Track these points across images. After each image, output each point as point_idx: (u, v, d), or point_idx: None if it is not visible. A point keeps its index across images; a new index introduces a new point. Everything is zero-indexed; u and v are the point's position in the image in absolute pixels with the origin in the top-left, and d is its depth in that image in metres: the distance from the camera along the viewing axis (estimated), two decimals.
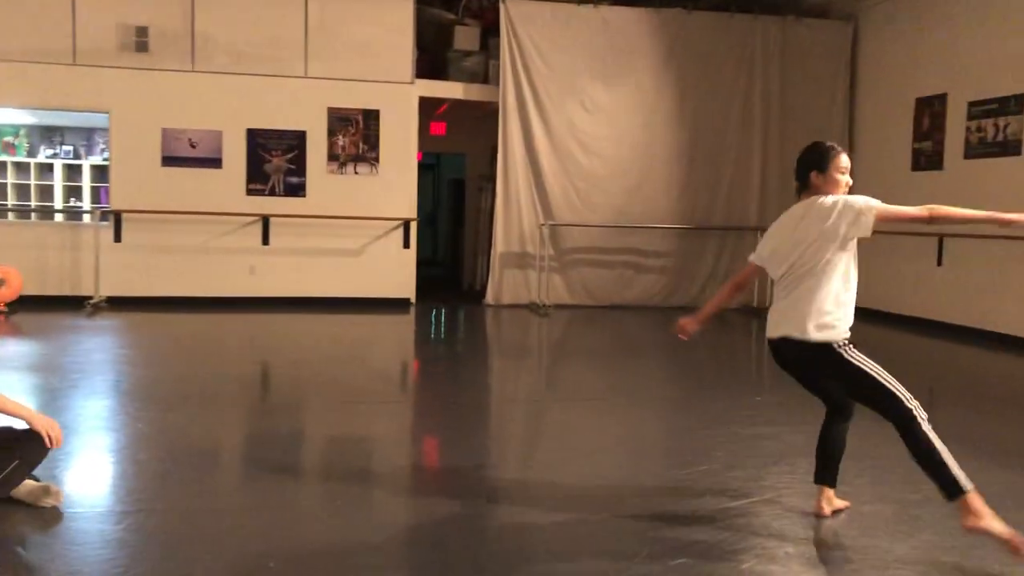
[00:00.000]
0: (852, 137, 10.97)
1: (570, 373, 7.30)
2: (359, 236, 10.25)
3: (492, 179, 11.11)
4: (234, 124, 9.83)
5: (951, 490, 2.97)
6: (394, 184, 10.29)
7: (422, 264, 11.12)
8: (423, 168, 11.68)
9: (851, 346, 3.21)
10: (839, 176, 3.32)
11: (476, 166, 12.85)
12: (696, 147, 10.84)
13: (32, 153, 12.07)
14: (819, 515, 3.46)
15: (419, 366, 7.50)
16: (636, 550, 3.10)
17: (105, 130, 10.21)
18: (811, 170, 3.35)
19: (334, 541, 3.20)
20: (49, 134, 12.19)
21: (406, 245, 10.38)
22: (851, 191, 3.33)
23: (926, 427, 3.01)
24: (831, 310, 3.21)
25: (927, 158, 9.67)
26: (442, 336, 9.30)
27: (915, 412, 3.03)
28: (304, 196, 10.05)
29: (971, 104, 9.02)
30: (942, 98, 9.45)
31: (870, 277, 10.26)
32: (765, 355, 8.47)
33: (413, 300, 10.50)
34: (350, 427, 5.02)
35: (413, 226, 10.41)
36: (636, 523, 3.39)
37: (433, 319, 10.02)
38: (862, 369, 3.15)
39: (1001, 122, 8.62)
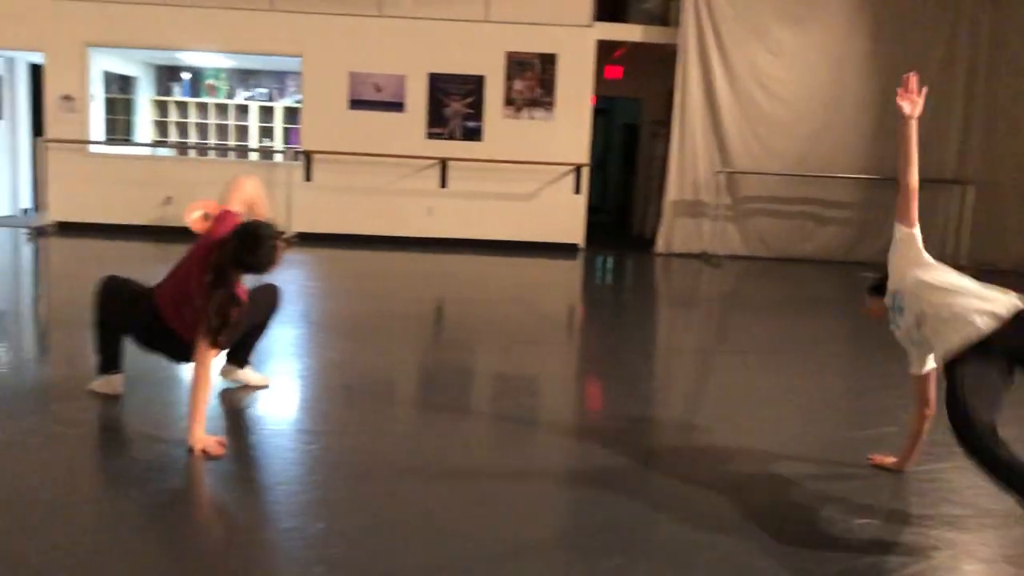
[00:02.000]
0: None
1: (741, 325, 7.13)
2: (532, 180, 10.36)
3: (667, 124, 10.89)
4: (417, 68, 10.10)
5: None
6: (568, 129, 10.29)
7: (590, 210, 11.10)
8: (595, 113, 11.58)
9: None
10: None
11: (651, 111, 12.61)
12: (889, 92, 10.00)
13: (230, 95, 12.89)
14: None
15: (586, 311, 7.56)
16: (816, 508, 3.04)
17: (296, 73, 10.74)
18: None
19: (497, 469, 3.32)
20: (246, 77, 12.96)
21: (577, 190, 10.39)
22: None
23: None
24: None
25: None
26: (610, 282, 9.30)
27: None
28: (481, 140, 10.24)
29: None
30: None
31: None
32: None
33: (582, 245, 10.54)
34: (517, 367, 5.15)
35: (585, 171, 10.39)
36: (814, 482, 3.32)
37: (601, 265, 10.03)
38: None
39: None
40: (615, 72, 12.09)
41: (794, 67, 10.16)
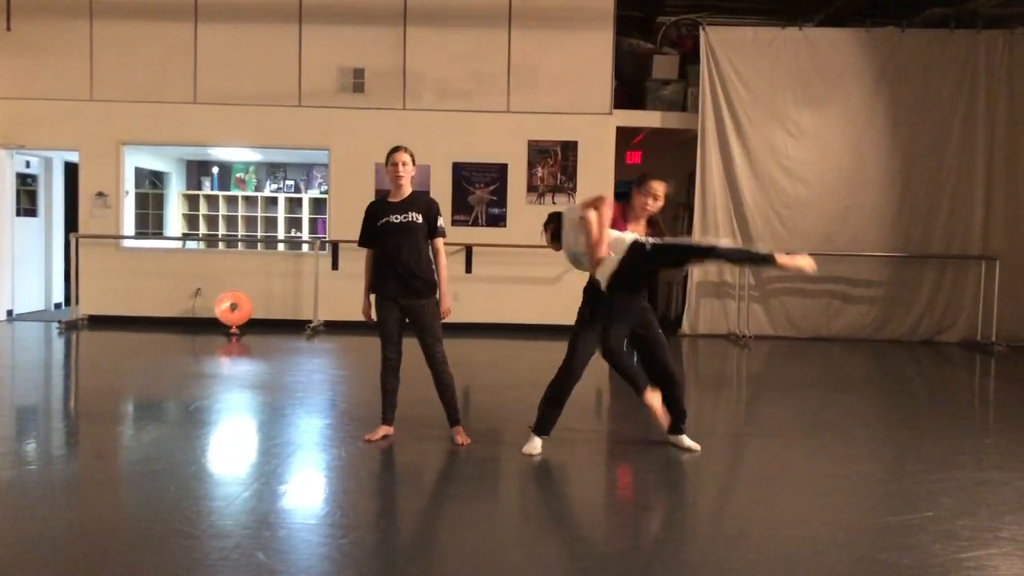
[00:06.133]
0: None
1: (772, 407, 7.03)
2: (556, 265, 10.37)
3: (689, 207, 10.98)
4: (441, 158, 10.30)
5: None
6: None
7: None
8: (616, 196, 11.71)
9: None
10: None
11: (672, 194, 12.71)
12: (911, 171, 10.22)
13: (259, 188, 13.20)
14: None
15: (613, 396, 7.48)
16: None
17: (323, 165, 11.00)
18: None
19: (530, 560, 3.26)
20: (274, 170, 13.29)
21: None
22: None
23: None
24: None
25: None
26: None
27: None
28: (504, 226, 10.36)
29: None
30: None
31: None
32: (990, 393, 7.81)
33: None
34: (550, 455, 5.08)
35: None
36: (856, 570, 3.22)
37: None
38: None
39: None
40: (635, 157, 12.26)
41: (815, 148, 10.27)
